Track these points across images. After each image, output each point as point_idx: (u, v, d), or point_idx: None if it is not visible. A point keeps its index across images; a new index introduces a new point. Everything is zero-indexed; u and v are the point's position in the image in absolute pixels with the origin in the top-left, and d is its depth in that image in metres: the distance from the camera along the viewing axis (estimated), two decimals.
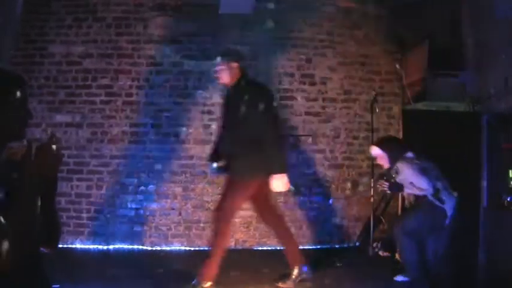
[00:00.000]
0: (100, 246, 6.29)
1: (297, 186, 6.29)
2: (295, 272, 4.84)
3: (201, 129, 6.41)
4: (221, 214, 4.67)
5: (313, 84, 6.56)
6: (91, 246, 6.27)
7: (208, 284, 4.60)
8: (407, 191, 4.99)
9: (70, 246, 6.23)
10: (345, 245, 6.51)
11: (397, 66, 6.36)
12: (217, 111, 6.35)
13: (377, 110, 6.02)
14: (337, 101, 6.59)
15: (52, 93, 6.34)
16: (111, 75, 6.36)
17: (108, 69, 6.36)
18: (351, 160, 6.58)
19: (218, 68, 4.69)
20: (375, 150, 5.27)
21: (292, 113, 6.52)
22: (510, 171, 4.80)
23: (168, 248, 6.32)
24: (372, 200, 5.94)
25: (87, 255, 6.11)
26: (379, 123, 6.39)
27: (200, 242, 6.33)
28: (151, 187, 6.35)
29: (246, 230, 6.42)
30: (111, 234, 6.30)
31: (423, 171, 4.89)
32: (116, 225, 6.31)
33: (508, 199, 4.73)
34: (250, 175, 4.57)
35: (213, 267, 4.64)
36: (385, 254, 5.83)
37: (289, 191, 5.47)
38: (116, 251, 6.24)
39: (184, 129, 6.38)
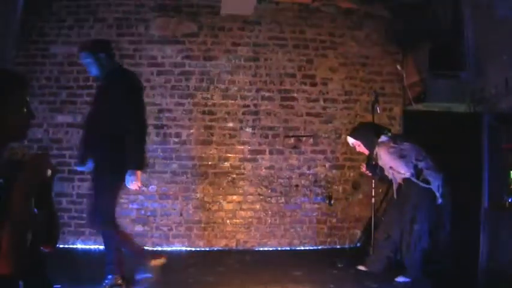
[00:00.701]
0: (101, 247, 6.25)
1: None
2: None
3: (202, 130, 6.47)
4: (99, 220, 4.49)
5: (314, 85, 6.63)
6: (92, 247, 6.32)
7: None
8: (390, 175, 5.10)
9: (71, 246, 6.29)
10: (346, 246, 6.55)
11: (398, 66, 6.43)
12: (219, 112, 6.48)
13: (378, 111, 5.99)
14: (338, 102, 6.65)
15: (53, 94, 6.41)
16: None
17: None
18: (352, 161, 6.63)
19: (84, 60, 4.48)
20: (350, 140, 5.43)
21: (294, 114, 6.58)
22: (511, 171, 4.87)
23: (169, 249, 6.37)
24: (373, 200, 5.95)
25: (88, 255, 6.14)
26: (380, 124, 6.33)
27: (201, 243, 6.41)
28: (152, 188, 6.41)
29: (247, 230, 6.48)
30: None
31: (401, 155, 4.95)
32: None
33: (509, 200, 4.80)
34: (114, 173, 4.33)
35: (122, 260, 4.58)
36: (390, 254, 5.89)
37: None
38: None
39: (185, 129, 6.45)
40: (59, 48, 6.43)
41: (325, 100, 6.63)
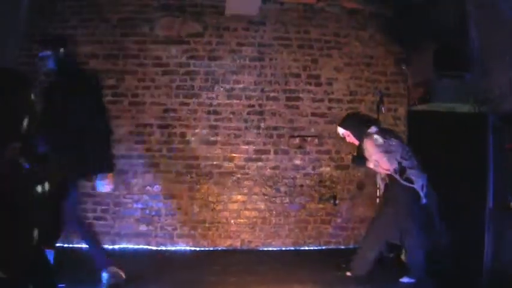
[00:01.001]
0: (105, 246, 6.34)
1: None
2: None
3: (207, 130, 6.51)
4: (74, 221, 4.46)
5: (319, 85, 6.66)
6: None
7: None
8: (375, 168, 5.11)
9: (75, 246, 6.23)
10: (351, 246, 6.56)
11: (403, 67, 6.50)
12: (224, 112, 6.53)
13: (383, 111, 6.00)
14: (343, 102, 6.68)
15: None
16: (117, 76, 6.47)
17: (114, 69, 6.47)
18: None
19: (43, 54, 4.40)
20: (340, 130, 5.41)
21: (298, 114, 6.61)
22: None
23: (173, 248, 6.42)
24: (377, 201, 5.93)
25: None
26: (384, 124, 6.29)
27: (205, 242, 6.46)
28: (156, 187, 6.46)
29: (251, 230, 6.52)
30: (116, 234, 6.41)
31: (386, 150, 4.96)
32: (121, 225, 6.42)
33: None
34: (73, 175, 4.15)
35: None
36: (391, 254, 5.84)
37: None
38: (122, 250, 6.34)
39: (190, 129, 6.49)
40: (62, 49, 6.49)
41: (330, 100, 6.67)
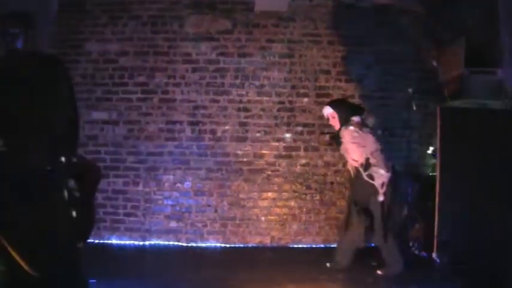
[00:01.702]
0: (136, 242, 6.56)
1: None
2: None
3: (237, 127, 6.63)
4: None
5: (349, 81, 6.74)
6: (127, 242, 6.55)
7: None
8: (345, 154, 5.42)
9: (106, 241, 6.51)
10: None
11: (434, 63, 6.52)
12: (254, 109, 6.64)
13: (414, 108, 6.12)
14: (373, 99, 6.73)
15: (89, 91, 6.63)
16: (147, 73, 6.62)
17: (144, 66, 6.63)
18: (387, 158, 6.66)
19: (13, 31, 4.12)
20: (328, 110, 5.52)
21: None
22: None
23: (203, 245, 6.55)
24: (408, 198, 6.06)
25: (123, 250, 6.37)
26: (415, 120, 6.50)
27: (235, 239, 6.58)
28: (187, 184, 6.60)
29: (282, 227, 6.60)
30: (147, 231, 6.56)
31: (359, 143, 5.23)
32: (152, 221, 6.57)
33: None
34: None
35: None
36: (422, 253, 5.96)
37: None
38: (152, 247, 6.50)
39: (220, 126, 6.62)
40: (93, 46, 6.66)
41: (360, 97, 6.73)
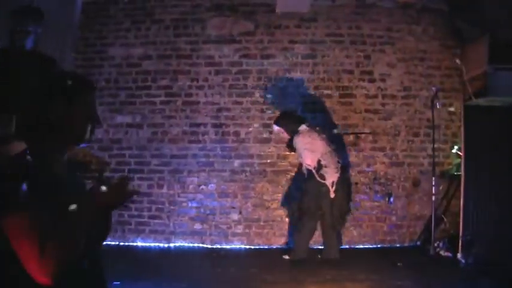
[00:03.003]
0: (161, 244, 6.79)
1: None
2: None
3: (261, 128, 6.82)
4: None
5: (372, 81, 6.87)
6: (152, 244, 6.80)
7: None
8: (300, 159, 6.07)
9: (131, 244, 6.76)
10: (406, 245, 6.76)
11: (457, 61, 6.49)
12: (277, 110, 6.81)
13: (438, 106, 6.20)
14: (397, 98, 6.86)
15: (113, 95, 6.91)
16: (171, 76, 6.87)
17: (168, 70, 6.88)
18: (411, 158, 6.84)
19: (21, 28, 4.16)
20: (275, 128, 6.27)
21: (352, 111, 6.84)
22: None
23: (228, 247, 6.75)
24: (433, 198, 6.12)
25: (148, 252, 6.60)
26: (440, 119, 6.59)
27: (260, 241, 6.76)
28: (211, 186, 6.81)
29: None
30: (171, 233, 6.79)
31: (311, 149, 5.88)
32: (176, 223, 6.80)
33: None
34: None
35: None
36: (447, 253, 6.13)
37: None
38: (176, 249, 6.72)
39: (244, 128, 6.84)
40: (117, 50, 6.94)
41: (383, 96, 6.86)
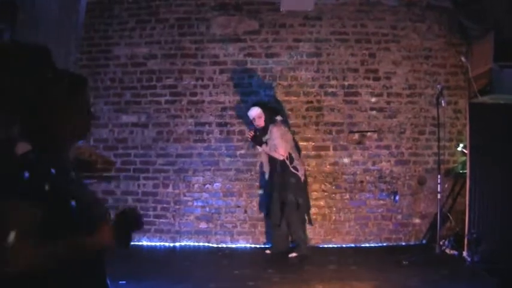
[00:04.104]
0: (166, 244, 6.85)
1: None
2: None
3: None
4: None
5: (377, 79, 6.90)
6: (157, 244, 6.86)
7: None
8: (270, 151, 6.21)
9: (137, 243, 6.75)
10: (411, 243, 6.79)
11: (462, 58, 6.54)
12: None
13: (443, 104, 6.20)
14: (402, 96, 6.89)
15: (118, 95, 6.97)
16: (175, 75, 6.92)
17: (172, 69, 6.93)
18: (417, 156, 6.86)
19: None
20: (256, 110, 6.32)
21: (357, 109, 6.87)
22: None
23: (233, 246, 6.80)
24: (439, 196, 6.14)
25: (154, 252, 6.65)
26: (445, 117, 6.57)
27: (265, 240, 6.80)
28: (216, 185, 6.86)
29: (311, 227, 6.71)
30: (177, 232, 6.85)
31: (285, 139, 6.16)
32: (182, 222, 6.86)
33: None
34: None
35: None
36: (452, 251, 6.16)
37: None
38: (182, 248, 6.78)
39: (249, 127, 6.79)
40: (122, 50, 6.99)
41: (389, 94, 6.88)
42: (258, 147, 6.41)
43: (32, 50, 1.81)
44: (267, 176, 6.44)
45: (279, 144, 6.12)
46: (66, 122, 1.80)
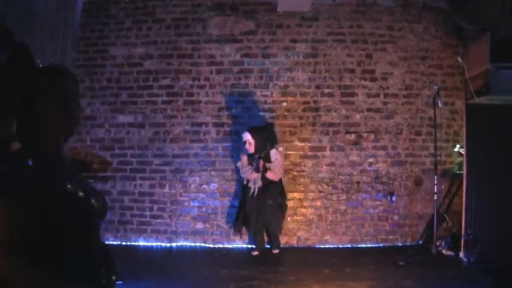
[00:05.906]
0: (163, 244, 6.85)
1: None
2: None
3: None
4: None
5: (374, 80, 6.90)
6: (154, 244, 6.86)
7: None
8: (269, 175, 6.27)
9: (133, 243, 6.82)
10: (408, 243, 6.80)
11: (459, 59, 6.56)
12: (279, 109, 6.85)
13: (440, 105, 6.20)
14: (398, 97, 6.89)
15: (114, 95, 6.96)
16: (172, 76, 6.91)
17: (169, 69, 6.92)
18: (413, 157, 6.87)
19: None
20: (247, 136, 6.28)
21: (354, 110, 6.87)
22: None
23: (229, 246, 6.80)
24: (435, 197, 6.18)
25: (150, 252, 6.65)
26: (441, 118, 6.52)
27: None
28: (213, 185, 6.86)
29: (308, 228, 6.81)
30: (173, 232, 6.84)
31: (283, 165, 6.38)
32: (178, 223, 6.85)
33: None
34: None
35: None
36: (449, 252, 6.18)
37: None
38: (178, 248, 6.78)
39: (245, 127, 6.70)
40: (118, 50, 6.98)
41: (385, 95, 6.89)
42: (255, 173, 6.30)
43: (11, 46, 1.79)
44: (255, 191, 6.37)
45: (279, 168, 6.32)
46: (41, 113, 1.77)
